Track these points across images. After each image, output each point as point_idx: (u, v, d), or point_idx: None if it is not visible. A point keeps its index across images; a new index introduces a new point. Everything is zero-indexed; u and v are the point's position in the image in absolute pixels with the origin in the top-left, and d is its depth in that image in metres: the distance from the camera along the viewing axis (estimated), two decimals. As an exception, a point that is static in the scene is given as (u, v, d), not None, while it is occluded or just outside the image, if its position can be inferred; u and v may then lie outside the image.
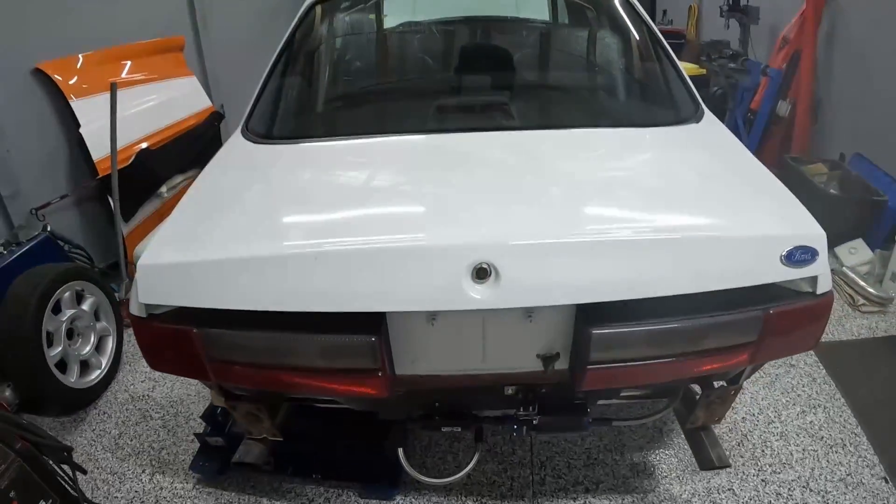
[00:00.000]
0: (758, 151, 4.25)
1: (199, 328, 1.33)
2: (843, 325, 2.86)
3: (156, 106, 3.51)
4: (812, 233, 1.33)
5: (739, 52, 4.53)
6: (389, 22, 2.58)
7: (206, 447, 2.15)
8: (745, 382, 1.65)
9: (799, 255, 1.30)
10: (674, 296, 1.28)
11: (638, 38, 2.19)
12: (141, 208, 3.32)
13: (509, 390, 1.52)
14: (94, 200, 3.25)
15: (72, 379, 2.48)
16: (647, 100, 2.14)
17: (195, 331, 1.33)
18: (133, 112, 3.33)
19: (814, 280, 1.37)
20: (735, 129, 4.21)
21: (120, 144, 3.11)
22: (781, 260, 1.30)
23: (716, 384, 1.60)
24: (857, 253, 3.31)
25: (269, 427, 1.61)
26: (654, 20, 8.93)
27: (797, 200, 1.46)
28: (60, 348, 2.42)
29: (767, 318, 1.33)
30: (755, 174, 1.59)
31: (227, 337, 1.35)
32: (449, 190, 1.50)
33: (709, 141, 1.79)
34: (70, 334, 2.52)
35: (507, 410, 1.58)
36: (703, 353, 1.36)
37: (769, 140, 4.18)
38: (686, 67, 5.01)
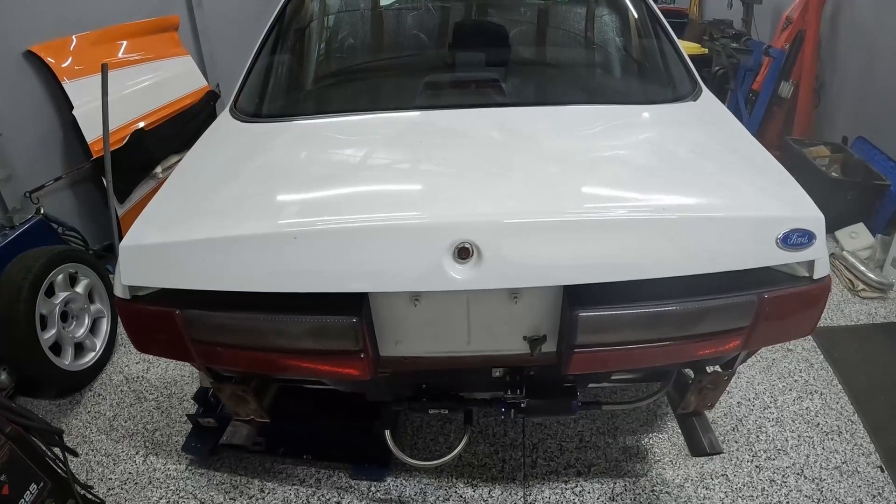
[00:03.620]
0: (759, 132, 4.19)
1: (182, 310, 1.32)
2: (843, 311, 2.83)
3: (150, 86, 3.48)
4: (809, 215, 1.29)
5: (742, 31, 4.44)
6: None
7: (198, 428, 2.15)
8: (740, 367, 1.63)
9: (795, 238, 1.26)
10: (664, 278, 1.25)
11: (636, 15, 2.14)
12: (136, 189, 3.30)
13: (497, 372, 1.50)
14: (88, 182, 3.23)
15: (66, 361, 2.47)
16: (644, 77, 2.10)
17: (178, 312, 1.32)
18: (127, 92, 3.30)
19: (810, 264, 1.33)
20: (736, 110, 4.15)
21: (114, 125, 3.08)
22: (777, 243, 1.26)
23: (709, 369, 1.58)
24: (857, 237, 3.27)
25: (255, 409, 1.61)
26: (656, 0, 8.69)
27: (795, 181, 1.42)
28: (54, 331, 2.41)
29: (761, 303, 1.29)
30: (752, 154, 1.55)
31: (209, 318, 1.33)
32: (434, 168, 1.46)
33: (706, 119, 1.75)
34: (64, 317, 2.51)
35: (495, 393, 1.57)
36: (694, 338, 1.33)
37: (771, 121, 4.12)
38: (687, 47, 4.93)
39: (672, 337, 1.32)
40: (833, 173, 3.49)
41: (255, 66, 1.97)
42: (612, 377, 1.65)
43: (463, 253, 1.21)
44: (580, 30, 2.37)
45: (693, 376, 1.56)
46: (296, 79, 2.10)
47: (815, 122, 4.07)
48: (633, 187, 1.38)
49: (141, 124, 3.30)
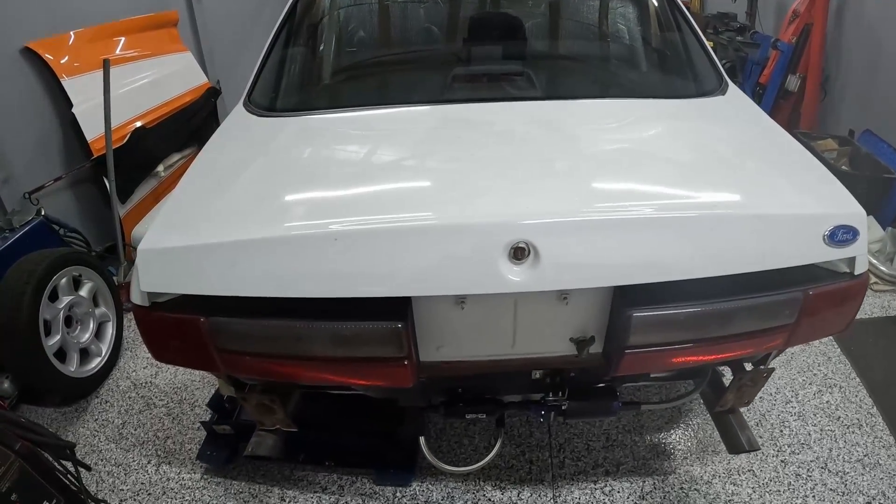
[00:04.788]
0: (766, 127, 4.19)
1: (208, 317, 1.25)
2: (857, 304, 2.84)
3: (150, 83, 3.41)
4: (853, 211, 1.28)
5: (747, 24, 4.43)
6: None
7: (213, 436, 2.09)
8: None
9: (841, 235, 1.25)
10: (710, 277, 1.23)
11: (658, 8, 2.11)
12: (138, 188, 3.23)
13: (536, 374, 1.46)
14: (89, 182, 3.16)
15: (71, 368, 2.40)
16: (671, 71, 2.07)
17: (203, 320, 1.25)
18: (127, 90, 3.23)
19: (852, 260, 1.32)
20: (743, 105, 4.15)
21: (114, 123, 3.01)
22: (824, 239, 1.25)
23: (747, 366, 1.56)
24: (868, 231, 3.27)
25: (283, 418, 1.54)
26: None
27: (834, 177, 1.41)
28: (59, 337, 2.34)
29: (806, 300, 1.28)
30: (789, 149, 1.53)
31: (238, 326, 1.26)
32: (474, 163, 1.41)
33: (737, 114, 1.73)
34: (68, 322, 2.44)
35: (533, 395, 1.53)
36: (739, 336, 1.31)
37: (778, 115, 4.12)
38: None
39: (719, 335, 1.30)
40: (842, 167, 3.49)
41: (270, 58, 1.90)
42: (651, 376, 1.63)
43: (518, 253, 1.16)
44: (605, 23, 2.34)
45: (732, 374, 1.54)
46: (314, 71, 2.04)
47: (821, 116, 4.08)
48: (678, 185, 1.35)
49: (141, 122, 3.22)
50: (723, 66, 4.28)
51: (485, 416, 1.55)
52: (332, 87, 2.03)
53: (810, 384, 2.33)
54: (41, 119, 2.95)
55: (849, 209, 1.29)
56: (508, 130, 1.57)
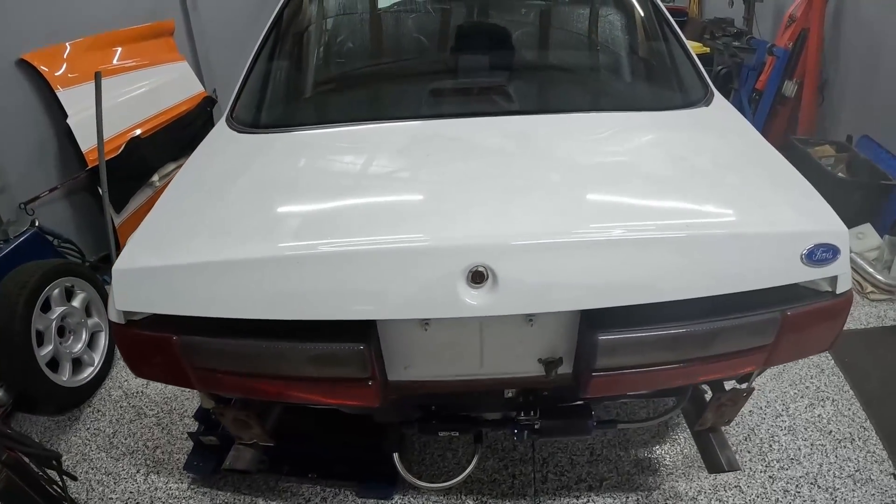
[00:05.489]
0: (763, 132, 4.14)
1: (180, 336, 1.27)
2: (852, 314, 2.79)
3: (146, 93, 3.44)
4: (834, 229, 1.24)
5: (744, 30, 4.40)
6: (382, 1, 2.47)
7: (199, 446, 2.11)
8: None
9: (820, 254, 1.21)
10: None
11: (644, 17, 2.08)
12: (132, 198, 3.26)
13: (509, 393, 1.45)
14: (84, 192, 3.18)
15: (64, 377, 2.43)
16: (654, 82, 2.03)
17: (175, 338, 1.27)
18: (122, 100, 3.26)
19: (834, 279, 1.28)
20: (740, 109, 4.11)
21: (109, 133, 3.04)
22: (802, 259, 1.21)
23: (726, 385, 1.53)
24: (864, 238, 3.23)
25: (259, 433, 1.55)
26: None
27: (816, 192, 1.37)
28: (51, 347, 2.37)
29: (785, 321, 1.25)
30: (771, 163, 1.50)
31: (208, 345, 1.28)
32: (442, 183, 1.41)
33: (721, 126, 1.69)
34: (61, 332, 2.46)
35: (507, 413, 1.52)
36: (714, 357, 1.28)
37: (775, 120, 4.08)
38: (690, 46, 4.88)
39: (694, 357, 1.27)
40: (839, 173, 3.45)
41: (252, 74, 1.90)
42: (628, 393, 1.61)
43: (477, 277, 1.15)
44: (586, 33, 2.32)
45: (709, 392, 1.52)
46: (293, 87, 2.03)
47: (819, 121, 4.03)
48: (651, 203, 1.33)
49: (137, 132, 3.25)
50: (718, 72, 4.28)
51: (457, 434, 1.54)
52: (312, 102, 2.02)
53: (802, 397, 2.30)
54: (37, 130, 2.98)
55: (829, 227, 1.25)
56: (481, 147, 1.56)
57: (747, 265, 1.21)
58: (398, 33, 2.41)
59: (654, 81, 2.03)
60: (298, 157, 1.60)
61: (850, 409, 2.24)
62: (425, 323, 1.30)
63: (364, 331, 1.23)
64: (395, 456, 1.58)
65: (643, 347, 1.25)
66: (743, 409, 2.21)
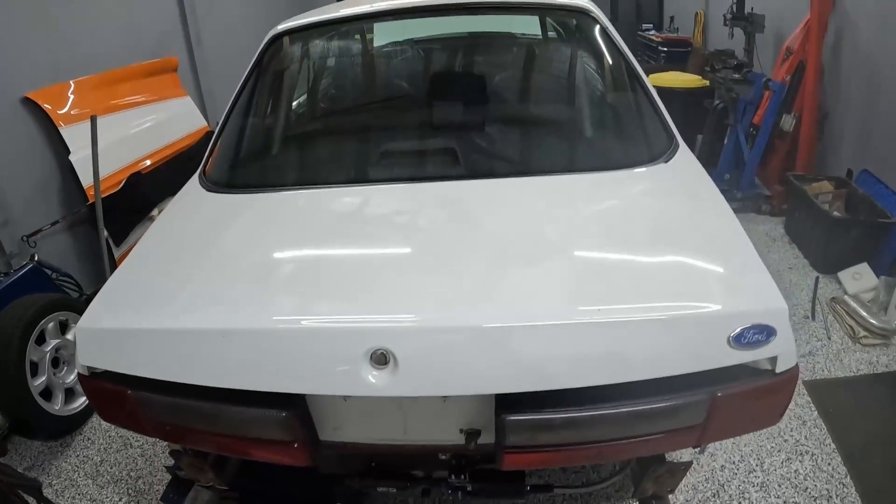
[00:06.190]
0: (761, 167, 4.09)
1: (133, 390, 1.36)
2: (842, 361, 2.72)
3: (149, 129, 3.56)
4: (769, 308, 1.17)
5: (745, 62, 4.34)
6: (345, 59, 2.48)
7: (176, 479, 2.17)
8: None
9: (751, 336, 1.15)
10: None
11: (609, 66, 2.00)
12: (132, 232, 3.36)
13: (443, 455, 1.46)
14: (85, 225, 3.29)
15: (56, 407, 2.52)
16: (612, 138, 1.94)
17: (130, 392, 1.36)
18: (126, 135, 3.38)
19: (773, 359, 1.22)
20: (737, 145, 4.06)
21: (112, 168, 3.15)
22: (729, 342, 1.15)
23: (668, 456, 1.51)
24: (860, 279, 3.16)
25: (212, 478, 1.62)
26: (661, 27, 8.43)
27: (761, 263, 1.30)
28: (45, 377, 2.47)
29: (714, 403, 1.20)
30: (719, 230, 1.43)
31: (157, 401, 1.37)
32: (362, 261, 1.43)
33: (674, 187, 1.63)
34: (55, 362, 2.56)
35: (441, 474, 1.53)
36: (637, 437, 1.25)
37: (773, 155, 4.01)
38: (688, 79, 4.82)
39: (613, 437, 1.25)
40: (835, 212, 3.39)
41: (225, 132, 1.95)
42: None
43: (381, 359, 1.17)
44: (543, 86, 2.26)
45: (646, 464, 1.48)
46: (257, 146, 2.06)
47: (819, 155, 3.95)
48: (568, 283, 1.27)
49: (138, 168, 3.36)
50: (716, 107, 4.21)
51: (395, 490, 1.57)
52: (274, 165, 2.03)
53: (779, 451, 2.24)
54: (40, 165, 3.11)
55: (764, 306, 1.18)
56: (417, 218, 1.56)
57: (667, 350, 1.16)
58: (360, 94, 2.44)
59: (612, 137, 1.95)
60: (252, 225, 1.64)
61: (829, 465, 2.18)
62: (344, 396, 1.33)
63: (291, 398, 1.28)
64: None
65: (555, 429, 1.23)
66: (715, 463, 2.20)
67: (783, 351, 1.21)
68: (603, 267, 1.34)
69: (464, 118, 1.95)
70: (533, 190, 1.62)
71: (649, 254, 1.37)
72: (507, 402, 1.22)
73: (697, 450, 1.54)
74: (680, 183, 1.65)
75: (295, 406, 1.28)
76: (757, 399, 1.26)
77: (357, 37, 2.48)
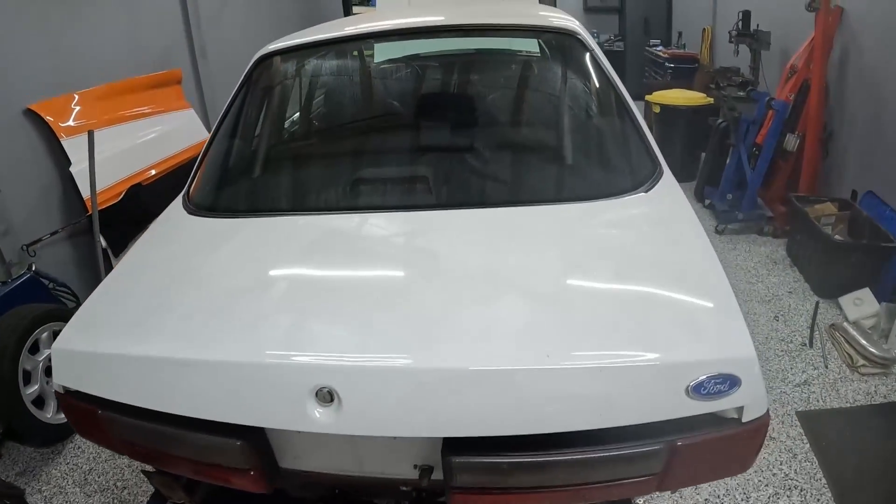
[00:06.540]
0: (763, 188, 4.02)
1: (103, 410, 1.39)
2: (838, 391, 2.66)
3: (151, 141, 3.60)
4: (736, 356, 1.11)
5: (750, 79, 4.28)
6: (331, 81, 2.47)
7: (159, 493, 2.19)
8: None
9: (712, 387, 1.09)
10: None
11: (594, 91, 1.95)
12: (130, 243, 3.39)
13: (404, 487, 1.45)
14: (84, 235, 3.34)
15: (48, 415, 2.56)
16: (589, 169, 1.87)
17: (100, 412, 1.39)
18: (127, 147, 3.42)
19: (739, 408, 1.15)
20: (739, 166, 4.00)
21: (112, 180, 3.20)
22: (688, 392, 1.09)
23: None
24: (862, 304, 3.09)
25: (182, 496, 1.63)
26: (668, 43, 8.36)
27: (734, 305, 1.22)
28: (37, 386, 2.51)
29: (674, 451, 1.14)
30: (692, 267, 1.37)
31: (124, 422, 1.39)
32: (321, 292, 1.43)
33: (650, 219, 1.57)
34: (49, 371, 2.59)
35: (402, 502, 1.53)
36: (592, 484, 1.22)
37: (776, 176, 3.94)
38: (693, 97, 4.77)
39: (567, 483, 1.21)
40: (837, 235, 3.32)
41: (209, 154, 1.96)
42: None
43: (325, 396, 1.16)
44: (524, 113, 2.20)
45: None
46: (239, 170, 2.05)
47: (823, 175, 3.89)
48: (521, 325, 1.23)
49: (139, 180, 3.40)
50: (718, 125, 4.15)
51: None
52: (252, 190, 2.02)
53: (766, 486, 2.19)
54: (42, 176, 3.16)
55: (731, 353, 1.12)
56: (375, 251, 1.55)
57: (619, 400, 1.12)
58: (336, 118, 2.43)
59: (591, 166, 1.88)
60: (224, 254, 1.63)
61: (818, 501, 2.12)
62: None
63: (243, 428, 1.28)
64: None
65: (502, 472, 1.19)
66: (698, 497, 2.15)
67: (750, 401, 1.15)
68: (563, 308, 1.28)
69: (440, 145, 1.92)
70: (502, 222, 1.57)
71: (614, 294, 1.32)
72: (454, 444, 1.19)
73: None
74: (658, 215, 1.57)
75: (253, 434, 1.28)
76: (722, 448, 1.21)
77: (341, 59, 2.47)
